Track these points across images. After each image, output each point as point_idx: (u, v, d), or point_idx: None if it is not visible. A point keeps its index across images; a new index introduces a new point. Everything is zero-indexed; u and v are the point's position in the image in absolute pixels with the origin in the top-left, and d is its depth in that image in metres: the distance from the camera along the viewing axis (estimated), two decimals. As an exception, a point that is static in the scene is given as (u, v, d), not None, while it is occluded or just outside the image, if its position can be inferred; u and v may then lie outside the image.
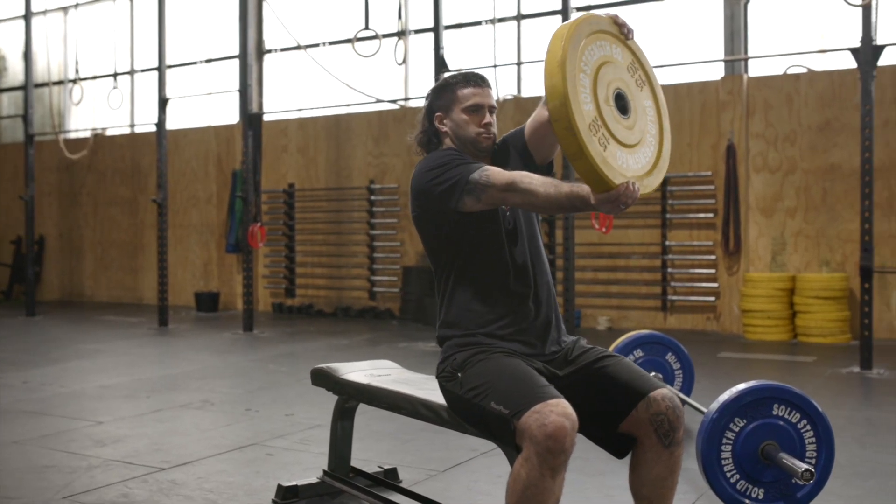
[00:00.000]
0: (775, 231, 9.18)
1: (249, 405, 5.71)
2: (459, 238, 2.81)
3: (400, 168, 11.32)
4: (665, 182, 9.58)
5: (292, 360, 7.69)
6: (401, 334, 9.61)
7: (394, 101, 11.18)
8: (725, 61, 9.26)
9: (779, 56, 8.90)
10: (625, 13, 10.03)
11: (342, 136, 11.77)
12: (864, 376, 6.68)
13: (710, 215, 9.42)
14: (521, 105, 10.48)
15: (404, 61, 8.84)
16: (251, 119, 9.72)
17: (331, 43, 12.07)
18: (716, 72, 9.55)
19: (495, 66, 9.96)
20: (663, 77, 9.58)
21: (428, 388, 3.22)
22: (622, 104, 2.47)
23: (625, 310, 9.85)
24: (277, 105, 12.40)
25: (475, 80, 2.94)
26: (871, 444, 4.57)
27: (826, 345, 8.41)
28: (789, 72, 9.18)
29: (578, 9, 10.18)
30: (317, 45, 11.94)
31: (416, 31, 9.03)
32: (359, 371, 3.58)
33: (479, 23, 10.82)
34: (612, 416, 2.69)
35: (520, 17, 10.70)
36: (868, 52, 6.77)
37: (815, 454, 3.36)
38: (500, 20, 10.39)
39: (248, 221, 9.73)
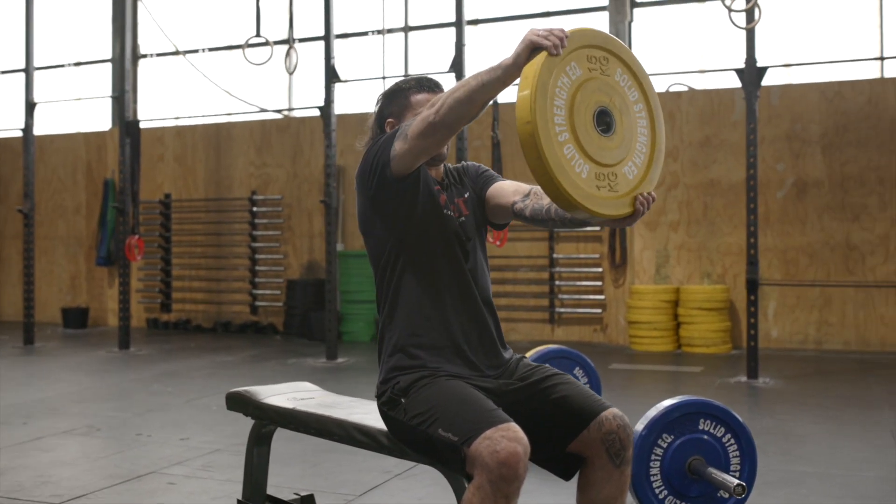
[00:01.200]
0: (659, 244, 9.41)
1: (140, 430, 5.37)
2: (402, 246, 2.68)
3: (284, 179, 11.04)
4: (552, 195, 9.68)
5: (177, 380, 7.33)
6: (287, 350, 9.33)
7: (278, 111, 10.90)
8: (611, 78, 9.43)
9: (662, 74, 9.15)
10: (513, 28, 10.15)
11: (222, 146, 11.39)
12: (751, 385, 6.89)
13: (597, 229, 9.58)
14: (409, 117, 10.40)
15: (294, 70, 8.59)
16: (129, 126, 9.26)
17: (210, 49, 11.69)
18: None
19: (384, 77, 9.83)
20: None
21: (359, 412, 3.06)
22: (606, 121, 2.39)
23: (513, 322, 9.88)
24: (153, 112, 11.89)
25: (429, 85, 2.82)
26: (773, 453, 4.67)
27: (709, 355, 8.67)
28: (671, 90, 9.46)
29: (469, 22, 10.20)
30: (195, 51, 11.53)
31: (303, 40, 8.82)
32: (280, 395, 3.38)
33: (365, 33, 10.68)
34: (562, 436, 2.62)
35: (407, 29, 10.62)
36: (752, 72, 7.02)
37: (738, 467, 3.41)
38: (389, 31, 10.28)
39: (125, 233, 9.25)
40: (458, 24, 7.90)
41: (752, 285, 7.07)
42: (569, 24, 9.97)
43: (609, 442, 2.58)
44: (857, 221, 8.73)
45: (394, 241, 2.69)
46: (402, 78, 2.95)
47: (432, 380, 2.56)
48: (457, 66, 7.87)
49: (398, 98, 2.83)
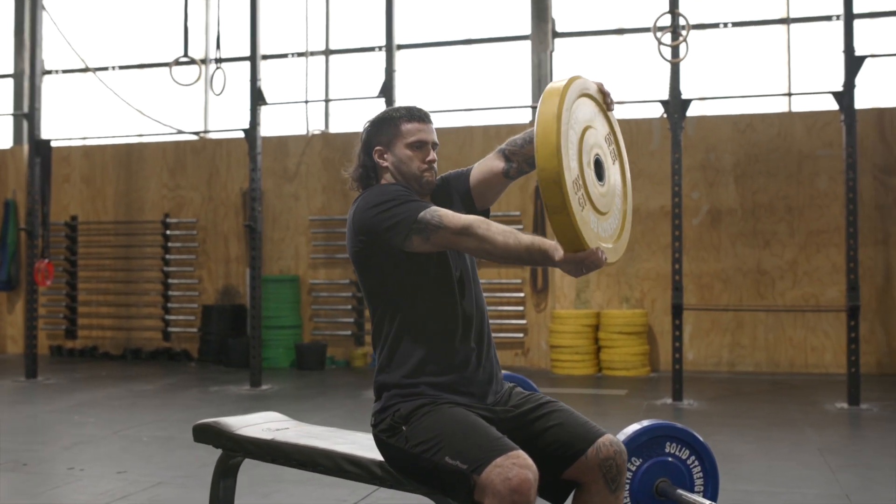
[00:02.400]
0: (579, 269, 9.57)
1: (71, 463, 5.13)
2: (405, 281, 2.66)
3: (198, 202, 10.79)
4: (474, 221, 9.76)
5: (98, 410, 7.04)
6: (205, 377, 9.08)
7: (195, 133, 10.67)
8: (533, 107, 9.61)
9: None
10: (436, 55, 10.24)
11: (134, 167, 11.07)
12: (676, 407, 7.07)
13: (518, 254, 9.69)
14: (329, 140, 10.34)
15: (222, 91, 8.43)
16: (39, 145, 8.90)
17: (121, 67, 11.38)
18: (524, 116, 9.91)
19: (307, 101, 9.76)
20: (474, 119, 9.83)
21: (344, 442, 3.02)
22: (599, 171, 2.45)
23: (435, 347, 9.87)
24: (57, 130, 11.46)
25: (419, 115, 2.83)
26: (716, 475, 4.80)
27: (629, 378, 8.86)
28: (591, 118, 9.68)
29: (400, 46, 10.23)
30: (105, 68, 11.20)
31: (220, 60, 8.66)
32: (252, 425, 3.30)
33: (285, 55, 10.58)
34: (559, 462, 2.64)
35: (328, 52, 10.59)
36: (677, 104, 7.27)
37: (702, 488, 3.50)
38: (312, 54, 10.23)
39: (34, 257, 8.87)
40: (389, 48, 7.92)
41: (677, 310, 7.28)
42: (491, 51, 10.16)
43: (606, 468, 2.61)
44: (768, 248, 9.11)
45: (397, 280, 2.67)
46: (392, 107, 2.95)
47: (434, 407, 2.56)
48: (386, 91, 7.88)
49: (387, 126, 2.82)
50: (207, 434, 3.32)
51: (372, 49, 10.39)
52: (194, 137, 10.88)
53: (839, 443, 5.82)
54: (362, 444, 2.99)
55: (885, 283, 8.76)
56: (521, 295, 9.68)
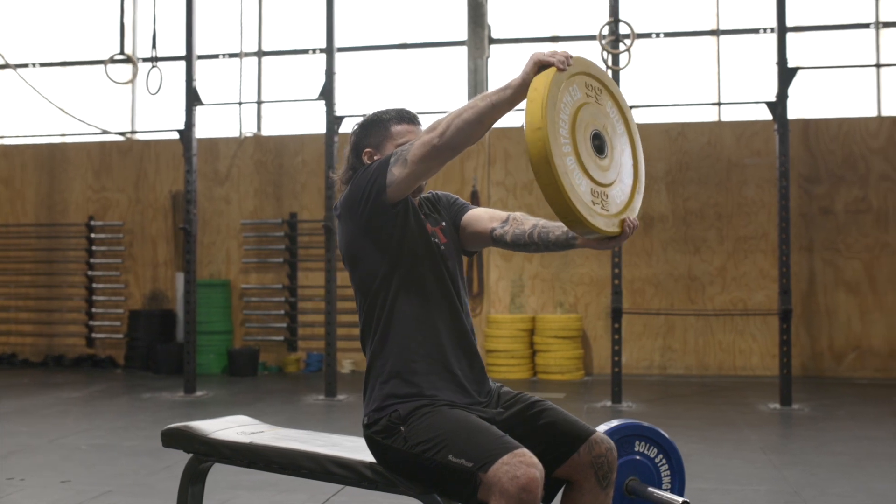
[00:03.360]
0: (514, 274, 9.67)
1: (9, 473, 4.92)
2: (396, 272, 2.64)
3: (125, 204, 10.50)
4: (410, 225, 9.75)
5: (29, 419, 6.77)
6: (135, 384, 8.83)
7: (121, 134, 10.39)
8: (469, 111, 9.65)
9: (517, 110, 9.45)
10: (371, 59, 10.19)
11: (57, 168, 10.70)
12: (617, 409, 7.18)
13: (454, 259, 9.70)
14: (262, 143, 10.19)
15: (158, 90, 8.20)
16: (-41, 144, 8.53)
17: (42, 64, 11.00)
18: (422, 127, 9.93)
19: (240, 103, 9.62)
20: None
21: (326, 444, 2.97)
22: (598, 144, 2.47)
23: (369, 352, 9.81)
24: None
25: (409, 117, 2.82)
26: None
27: (564, 381, 8.96)
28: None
29: (321, 50, 10.14)
30: (26, 65, 10.81)
31: (155, 60, 8.43)
32: (226, 429, 3.21)
33: (217, 56, 10.39)
34: (551, 461, 2.64)
35: (261, 54, 10.44)
36: (617, 111, 7.38)
37: (669, 485, 3.56)
38: (246, 55, 10.07)
39: (-48, 260, 8.50)
40: (329, 51, 7.85)
41: (617, 314, 7.39)
42: (429, 56, 10.17)
43: (598, 465, 2.64)
44: (698, 254, 9.34)
45: (387, 268, 2.65)
46: (381, 109, 2.92)
47: (433, 408, 2.54)
48: (327, 94, 7.81)
49: (377, 128, 2.81)
50: (178, 438, 3.22)
51: (306, 51, 10.30)
52: (120, 138, 10.59)
53: (778, 442, 6.00)
54: (345, 447, 2.95)
55: (808, 288, 9.07)
56: (457, 300, 9.69)
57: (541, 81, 2.35)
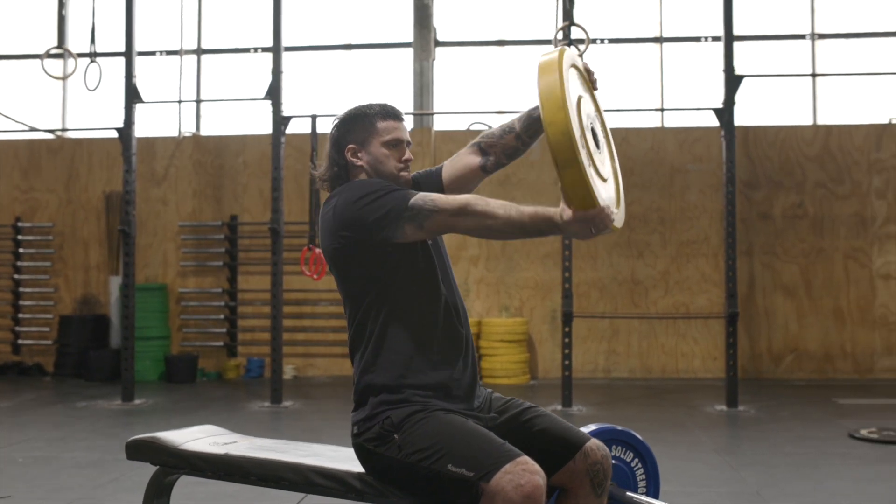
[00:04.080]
0: (460, 278, 9.61)
1: (-55, 488, 4.66)
2: (391, 276, 2.55)
3: (55, 205, 10.12)
4: (353, 229, 9.62)
5: (-42, 429, 6.45)
6: (67, 392, 8.50)
7: (51, 132, 10.02)
8: (414, 114, 9.59)
9: (464, 113, 9.45)
10: (315, 59, 10.03)
11: (-19, 167, 10.27)
12: (567, 413, 7.17)
13: (399, 262, 9.61)
14: (201, 143, 9.94)
15: (97, 87, 7.90)
16: None
17: (-35, 59, 10.55)
18: (406, 123, 9.84)
19: (180, 101, 9.36)
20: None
21: (308, 454, 2.86)
22: (595, 139, 2.43)
23: (311, 357, 9.66)
24: None
25: (394, 113, 2.74)
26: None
27: (510, 385, 8.93)
28: (472, 128, 9.75)
29: (264, 49, 9.96)
30: (-52, 60, 10.36)
31: (93, 55, 8.12)
32: (197, 439, 3.07)
33: (153, 53, 10.11)
34: (547, 468, 2.57)
35: (200, 52, 10.19)
36: (568, 115, 7.39)
37: (644, 489, 3.56)
38: (186, 52, 9.81)
39: None
40: (276, 50, 7.68)
41: (567, 317, 7.40)
42: (375, 57, 10.06)
43: (594, 472, 2.60)
44: (642, 258, 9.42)
45: (383, 283, 2.56)
46: (363, 104, 2.82)
47: (427, 414, 2.46)
48: (273, 94, 7.64)
49: (362, 124, 2.72)
50: (144, 450, 3.07)
51: (247, 50, 10.09)
52: (50, 136, 10.21)
53: (731, 443, 6.06)
54: (328, 456, 2.85)
55: (748, 292, 9.22)
56: (401, 304, 9.59)
57: (551, 70, 2.27)
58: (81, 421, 6.90)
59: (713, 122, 7.96)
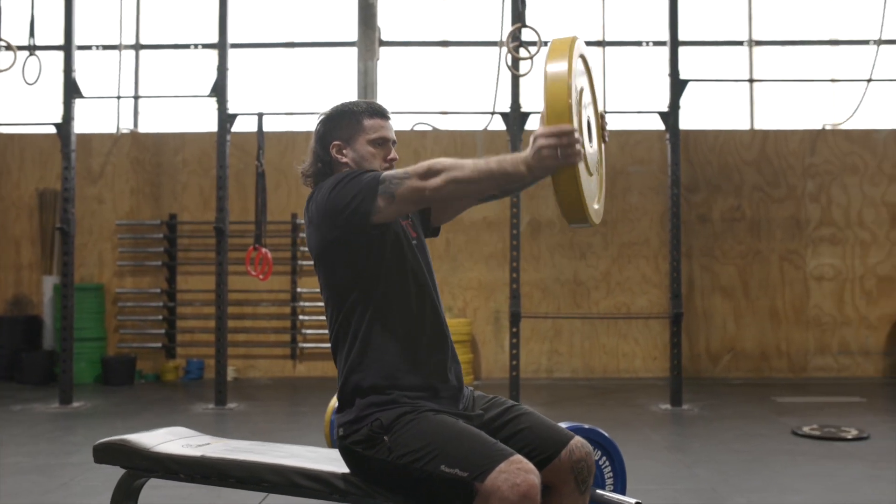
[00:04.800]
0: (403, 279, 9.57)
1: None
2: (374, 274, 2.53)
3: (-20, 201, 9.78)
4: (295, 228, 9.53)
5: None
6: (1, 395, 8.21)
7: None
8: (358, 113, 9.52)
9: (408, 113, 9.44)
10: (258, 57, 9.89)
11: None
12: (515, 414, 7.20)
13: (342, 263, 9.54)
14: (139, 140, 9.71)
15: (36, 81, 7.63)
16: None
17: None
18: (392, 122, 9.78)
19: (119, 97, 9.14)
20: (298, 124, 9.59)
21: (286, 455, 2.82)
22: (590, 132, 2.45)
23: (252, 359, 9.52)
24: None
25: (381, 111, 2.73)
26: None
27: (454, 386, 8.93)
28: (416, 128, 9.74)
29: (205, 45, 9.79)
30: None
31: (32, 48, 7.82)
32: (168, 441, 3.00)
33: (89, 47, 9.83)
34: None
35: (138, 47, 9.95)
36: (517, 116, 7.46)
37: (612, 486, 3.62)
38: (126, 47, 9.58)
39: None
40: (221, 46, 7.56)
41: (515, 318, 7.44)
42: (317, 55, 9.96)
43: (578, 469, 2.61)
44: (584, 259, 9.53)
45: (367, 280, 2.55)
46: (349, 100, 2.80)
47: (417, 415, 2.44)
48: (219, 91, 7.52)
49: (348, 121, 2.71)
50: (114, 453, 2.98)
51: (187, 46, 9.89)
52: (-20, 132, 9.87)
53: (680, 441, 6.17)
54: (308, 457, 2.81)
55: (687, 293, 9.39)
56: (345, 304, 9.52)
57: (561, 57, 2.28)
58: (18, 425, 6.68)
59: (655, 125, 8.11)
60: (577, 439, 2.64)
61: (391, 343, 2.51)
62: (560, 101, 2.24)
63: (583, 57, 2.45)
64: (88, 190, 9.62)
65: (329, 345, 2.66)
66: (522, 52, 7.02)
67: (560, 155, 2.19)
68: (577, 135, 2.20)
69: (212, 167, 9.55)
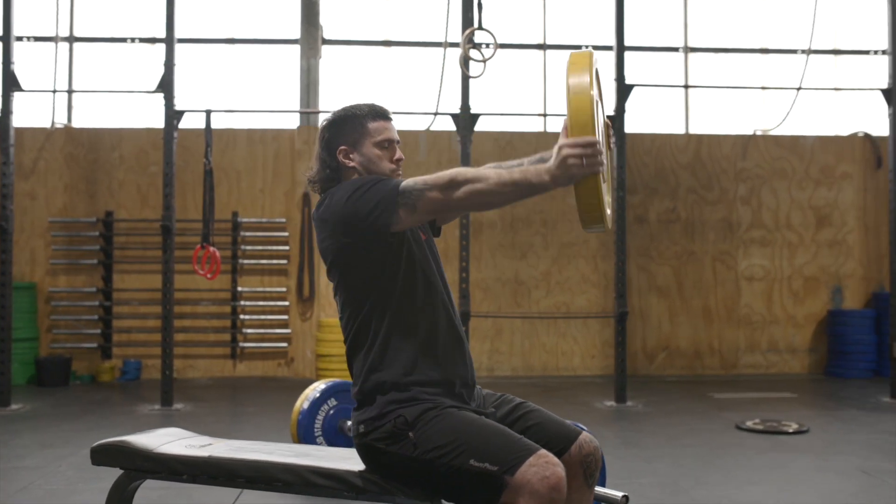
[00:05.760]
0: (345, 278, 9.56)
1: None
2: (391, 277, 2.58)
3: None
4: (236, 227, 9.43)
5: None
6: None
7: None
8: (301, 113, 9.48)
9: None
10: (199, 52, 9.72)
11: None
12: (465, 412, 7.29)
13: (284, 262, 9.49)
14: (74, 136, 9.46)
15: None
16: None
17: None
18: (293, 121, 9.72)
19: (55, 91, 8.89)
20: (239, 121, 9.48)
21: (294, 454, 2.83)
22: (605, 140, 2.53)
23: (191, 358, 9.37)
24: None
25: (383, 113, 2.79)
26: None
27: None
28: (359, 128, 9.73)
29: (142, 39, 9.61)
30: None
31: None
32: (169, 442, 2.98)
33: (20, 38, 9.51)
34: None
35: (73, 40, 9.69)
36: (467, 118, 7.54)
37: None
38: (63, 39, 9.31)
39: None
40: (169, 41, 7.42)
41: (465, 316, 7.52)
42: (260, 52, 9.84)
43: (587, 464, 2.70)
44: (525, 259, 9.67)
45: (386, 280, 2.60)
46: (351, 104, 2.83)
47: (441, 411, 2.50)
48: (166, 86, 7.38)
49: (352, 125, 2.76)
50: (114, 455, 2.95)
51: (123, 40, 9.68)
52: None
53: (633, 437, 6.33)
54: (318, 456, 2.84)
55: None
56: (286, 304, 9.47)
57: (582, 71, 2.35)
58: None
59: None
60: (586, 434, 2.73)
61: (410, 342, 2.57)
62: (584, 113, 2.32)
63: (596, 70, 2.53)
64: (20, 186, 9.31)
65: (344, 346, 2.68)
66: (476, 55, 7.09)
67: (585, 164, 2.27)
68: (600, 146, 2.29)
69: (150, 164, 9.39)
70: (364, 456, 2.57)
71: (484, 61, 6.97)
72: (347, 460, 2.73)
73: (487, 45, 6.94)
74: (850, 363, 9.37)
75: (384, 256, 2.57)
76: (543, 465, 2.33)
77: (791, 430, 6.23)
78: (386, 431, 2.49)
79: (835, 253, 9.92)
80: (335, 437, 4.81)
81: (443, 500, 2.55)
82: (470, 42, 7.01)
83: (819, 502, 4.48)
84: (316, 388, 4.92)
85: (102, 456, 2.97)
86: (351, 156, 2.72)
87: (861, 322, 9.42)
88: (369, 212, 2.49)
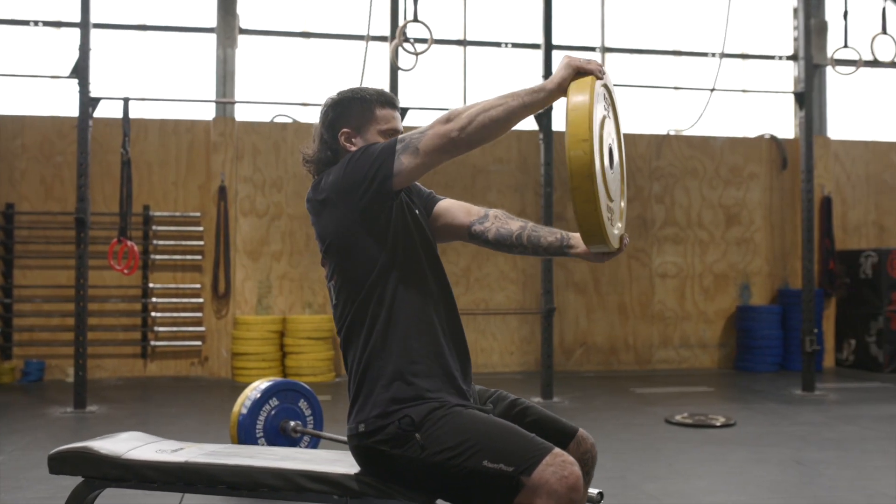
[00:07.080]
0: (262, 274, 9.33)
1: None
2: (396, 263, 2.48)
3: None
4: (147, 221, 9.06)
5: None
6: None
7: None
8: (217, 103, 9.18)
9: (267, 104, 9.19)
10: (107, 38, 9.28)
11: None
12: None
13: (198, 257, 9.17)
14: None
15: None
16: None
17: None
18: (208, 112, 9.40)
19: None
20: (151, 111, 9.11)
21: (276, 458, 2.70)
22: (611, 158, 2.46)
23: (98, 358, 8.95)
24: None
25: (392, 101, 2.67)
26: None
27: (316, 383, 8.76)
28: (276, 120, 9.49)
29: (46, 23, 9.12)
30: None
31: None
32: (136, 447, 2.79)
33: None
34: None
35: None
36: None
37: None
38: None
39: None
40: (84, 24, 7.05)
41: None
42: (174, 40, 9.47)
43: (584, 460, 2.67)
44: (444, 255, 9.53)
45: (386, 258, 2.48)
46: (358, 86, 2.71)
47: (448, 411, 2.41)
48: (81, 72, 7.02)
49: (359, 108, 2.63)
50: (76, 462, 2.74)
51: (26, 23, 9.17)
52: None
53: (566, 433, 6.34)
54: (304, 459, 2.71)
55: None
56: (200, 301, 9.15)
57: (583, 89, 2.29)
58: None
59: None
60: (583, 431, 2.70)
61: (411, 329, 2.47)
62: (583, 83, 2.29)
63: (606, 87, 2.46)
64: (-90, 175, 8.74)
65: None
66: (408, 47, 6.99)
67: (586, 64, 2.31)
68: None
69: (55, 154, 8.94)
70: (362, 458, 2.46)
71: (416, 54, 6.89)
72: (337, 462, 2.61)
73: (424, 41, 6.84)
74: (757, 357, 9.69)
75: (384, 234, 2.46)
76: (561, 465, 2.26)
77: (719, 424, 6.36)
78: (390, 433, 2.37)
79: (742, 251, 10.24)
80: (276, 438, 4.69)
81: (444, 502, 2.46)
82: (403, 35, 6.91)
83: (767, 494, 4.57)
84: (257, 387, 4.75)
85: (61, 464, 2.75)
86: (353, 140, 2.59)
87: (768, 318, 9.75)
88: (370, 166, 2.39)
